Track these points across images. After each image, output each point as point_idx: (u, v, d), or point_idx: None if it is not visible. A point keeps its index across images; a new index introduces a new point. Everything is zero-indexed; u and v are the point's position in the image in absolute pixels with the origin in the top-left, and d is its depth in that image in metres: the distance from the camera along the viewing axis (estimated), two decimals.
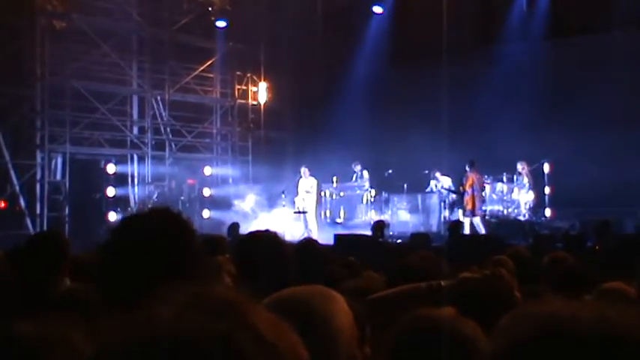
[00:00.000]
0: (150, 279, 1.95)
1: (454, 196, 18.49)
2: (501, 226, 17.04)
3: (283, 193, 19.67)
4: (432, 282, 2.83)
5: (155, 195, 20.92)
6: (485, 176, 17.95)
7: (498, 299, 2.49)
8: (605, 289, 4.04)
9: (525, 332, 1.07)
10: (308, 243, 5.63)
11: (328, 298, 1.85)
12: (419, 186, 19.70)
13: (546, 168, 18.00)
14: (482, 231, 16.72)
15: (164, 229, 2.14)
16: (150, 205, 19.45)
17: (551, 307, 1.10)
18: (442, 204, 18.78)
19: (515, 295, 2.68)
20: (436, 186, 19.18)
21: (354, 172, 20.20)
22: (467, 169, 17.53)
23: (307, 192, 19.44)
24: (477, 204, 17.39)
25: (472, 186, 17.38)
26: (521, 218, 17.55)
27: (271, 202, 20.67)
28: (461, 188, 17.65)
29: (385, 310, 2.80)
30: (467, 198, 17.40)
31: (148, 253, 2.08)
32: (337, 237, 14.78)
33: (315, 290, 1.90)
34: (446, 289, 2.74)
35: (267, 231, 3.50)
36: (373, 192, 19.88)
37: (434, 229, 18.58)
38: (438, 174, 19.01)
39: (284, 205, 19.62)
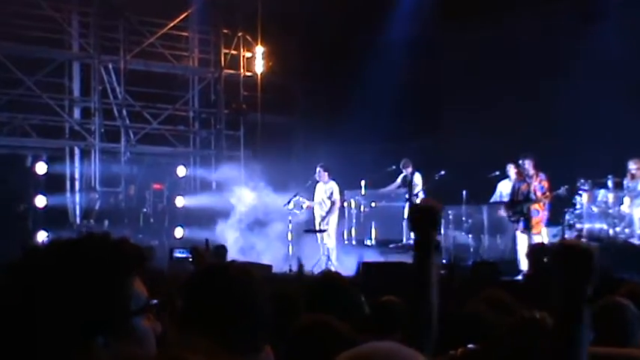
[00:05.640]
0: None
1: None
2: (606, 252, 16.67)
3: (290, 203, 19.40)
4: (463, 348, 3.21)
5: (106, 205, 20.84)
6: (582, 180, 17.67)
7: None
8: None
9: None
10: (328, 278, 5.71)
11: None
12: (484, 194, 19.46)
13: None
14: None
15: (75, 279, 2.13)
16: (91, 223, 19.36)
17: None
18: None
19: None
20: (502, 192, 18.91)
21: (402, 172, 19.92)
22: (526, 164, 17.26)
23: (325, 202, 19.17)
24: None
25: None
26: (635, 241, 17.20)
27: (272, 216, 20.45)
28: (543, 195, 17.33)
29: None
30: (546, 212, 17.28)
31: (45, 316, 2.08)
32: (365, 266, 14.61)
33: (393, 350, 2.06)
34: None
35: (229, 264, 3.36)
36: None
37: (506, 255, 18.37)
38: (512, 169, 18.64)
39: (290, 222, 19.38)
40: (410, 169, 19.85)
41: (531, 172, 17.38)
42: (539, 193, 17.35)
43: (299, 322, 4.03)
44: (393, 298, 5.97)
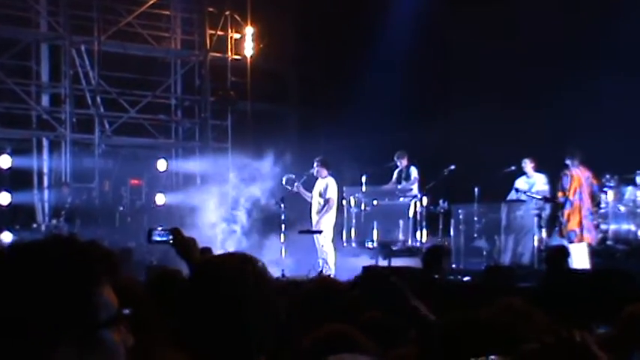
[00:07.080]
0: None
1: (543, 203, 18.27)
2: (633, 255, 16.70)
3: (282, 201, 19.41)
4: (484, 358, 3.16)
5: (77, 203, 20.71)
6: (607, 176, 17.66)
7: None
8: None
9: None
10: (324, 284, 5.71)
11: None
12: (499, 191, 19.43)
13: None
14: (587, 265, 16.47)
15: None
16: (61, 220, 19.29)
17: None
18: (537, 220, 18.42)
19: None
20: (519, 190, 18.84)
21: (397, 167, 19.95)
22: (567, 163, 17.29)
23: (322, 199, 19.14)
24: (586, 221, 17.17)
25: (577, 191, 17.13)
26: None
27: (262, 215, 20.40)
28: (560, 194, 17.39)
29: None
30: (568, 210, 17.21)
31: None
32: (367, 270, 14.51)
33: None
34: None
35: (231, 255, 3.34)
36: (425, 200, 19.59)
37: (525, 259, 18.43)
38: (528, 164, 18.68)
39: (284, 220, 19.35)
40: (405, 162, 19.88)
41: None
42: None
43: (317, 332, 4.03)
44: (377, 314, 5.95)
